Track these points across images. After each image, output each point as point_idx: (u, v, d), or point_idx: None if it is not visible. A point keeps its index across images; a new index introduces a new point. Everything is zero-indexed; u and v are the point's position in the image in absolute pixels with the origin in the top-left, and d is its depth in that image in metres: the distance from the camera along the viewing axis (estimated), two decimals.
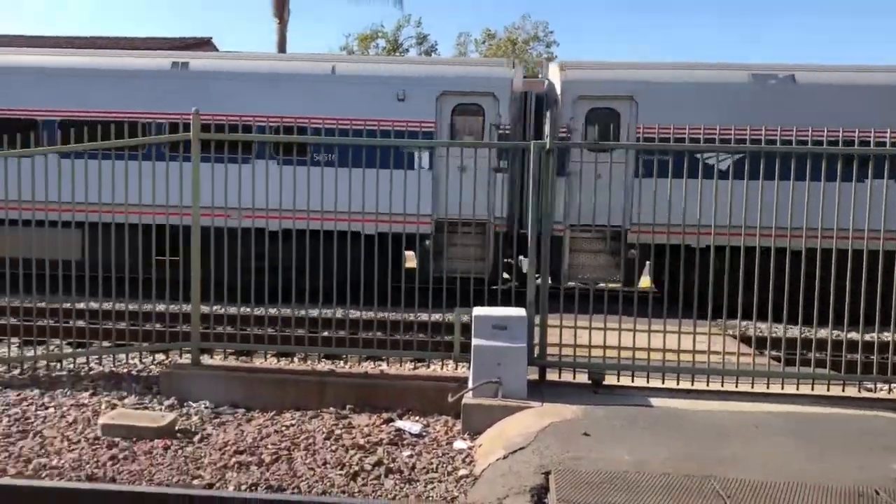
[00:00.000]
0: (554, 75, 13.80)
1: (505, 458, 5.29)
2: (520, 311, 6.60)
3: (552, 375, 7.02)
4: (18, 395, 6.99)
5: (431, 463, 5.63)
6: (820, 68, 13.42)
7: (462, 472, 5.47)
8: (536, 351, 6.93)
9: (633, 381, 6.91)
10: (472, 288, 7.78)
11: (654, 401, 6.42)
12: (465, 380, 6.81)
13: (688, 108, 12.10)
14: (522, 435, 5.54)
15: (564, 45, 49.82)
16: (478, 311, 6.56)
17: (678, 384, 6.87)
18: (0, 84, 13.55)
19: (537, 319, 6.95)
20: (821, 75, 13.10)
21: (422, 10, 71.87)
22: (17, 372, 7.72)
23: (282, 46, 21.34)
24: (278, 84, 13.26)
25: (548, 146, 6.94)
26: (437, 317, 8.11)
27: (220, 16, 69.78)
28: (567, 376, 7.00)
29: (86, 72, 13.58)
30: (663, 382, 6.89)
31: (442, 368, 7.53)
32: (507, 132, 13.08)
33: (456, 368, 7.36)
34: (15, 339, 8.80)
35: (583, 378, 6.88)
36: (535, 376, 6.91)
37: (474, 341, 6.46)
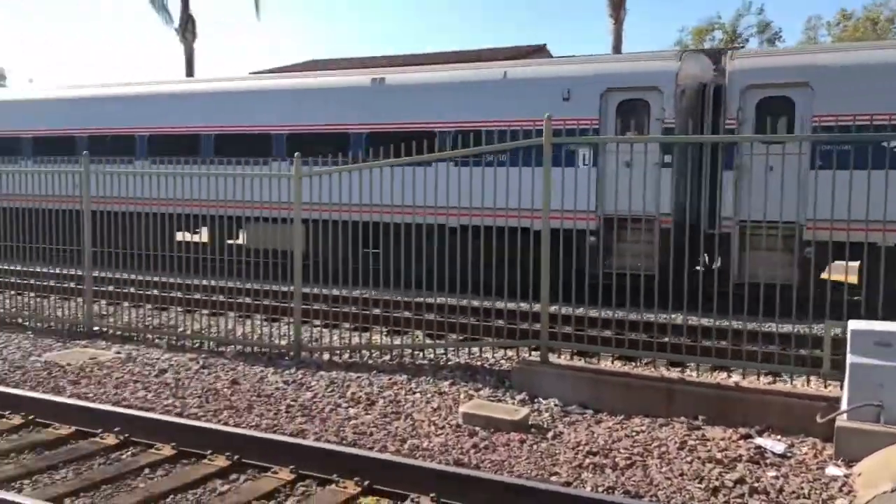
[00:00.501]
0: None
1: (894, 491, 4.67)
2: None
3: None
4: (390, 378, 7.75)
5: (802, 487, 5.16)
6: None
7: (840, 501, 4.93)
8: None
9: None
10: (776, 295, 6.94)
11: None
12: (836, 399, 6.16)
13: (870, 93, 11.17)
14: None
15: None
16: (856, 324, 5.88)
17: None
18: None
19: None
20: None
21: None
22: (387, 358, 8.59)
23: (617, 47, 21.31)
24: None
25: None
26: (789, 328, 7.48)
27: (554, 23, 72.02)
28: None
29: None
30: None
31: (804, 385, 6.90)
32: (672, 126, 12.46)
33: (825, 386, 6.68)
34: (381, 329, 9.81)
35: None
36: None
37: (850, 358, 5.80)
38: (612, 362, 7.73)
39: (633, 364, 7.83)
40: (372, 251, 9.28)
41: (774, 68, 12.59)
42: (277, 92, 16.48)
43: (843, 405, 5.86)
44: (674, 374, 7.34)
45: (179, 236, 11.56)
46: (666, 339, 7.79)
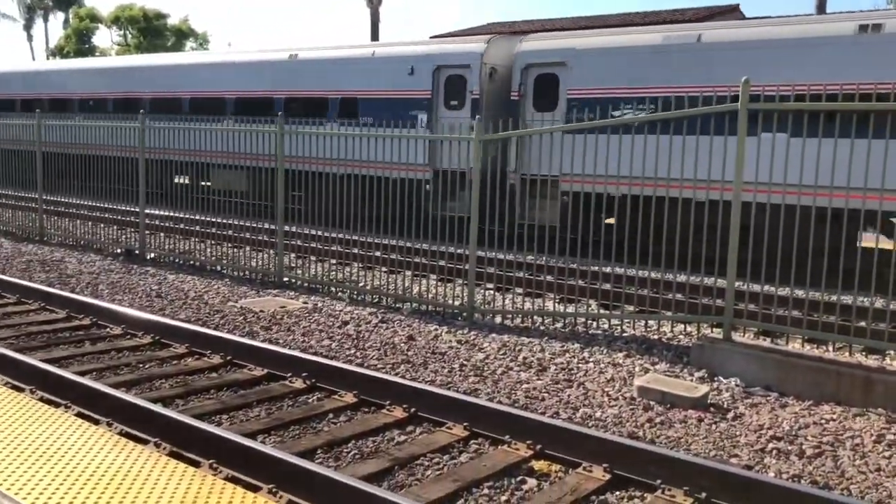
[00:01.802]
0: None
1: None
2: None
3: None
4: (562, 346, 7.71)
5: None
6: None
7: None
8: None
9: None
10: None
11: None
12: None
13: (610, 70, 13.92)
14: None
15: None
16: None
17: None
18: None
19: None
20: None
21: None
22: (559, 325, 8.55)
23: (821, 7, 19.69)
24: None
25: None
26: None
27: None
28: None
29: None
30: None
31: None
32: (478, 97, 15.53)
33: None
34: (552, 296, 9.76)
35: None
36: None
37: None
38: (802, 345, 7.26)
39: (824, 348, 7.31)
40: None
41: (545, 51, 15.13)
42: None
43: None
44: (872, 361, 6.79)
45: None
46: (864, 324, 7.22)
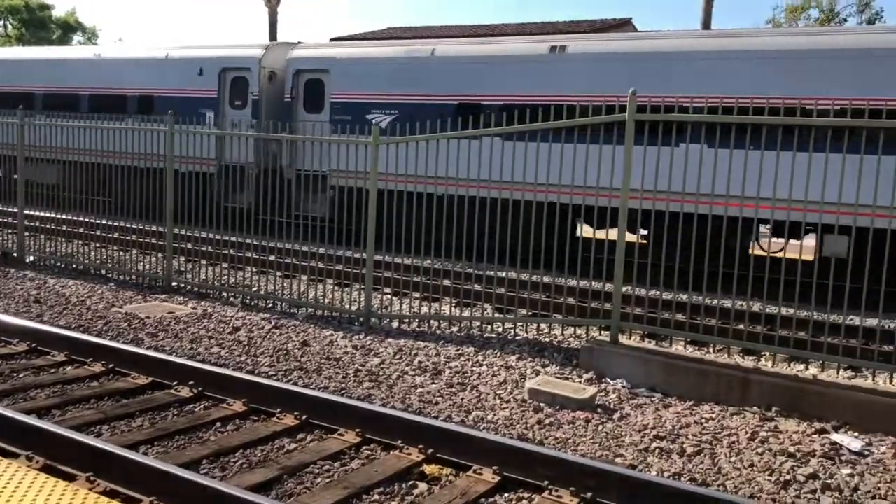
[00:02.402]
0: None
1: None
2: None
3: None
4: (457, 350, 7.77)
5: (879, 487, 4.97)
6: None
7: None
8: None
9: None
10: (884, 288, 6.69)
11: None
12: None
13: (359, 78, 15.91)
14: None
15: None
16: None
17: None
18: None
19: None
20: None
21: None
22: (455, 329, 8.61)
23: (707, 23, 20.61)
24: None
25: None
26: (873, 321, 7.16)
27: None
28: None
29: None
30: None
31: (886, 383, 6.63)
32: (257, 98, 17.18)
33: None
34: (449, 300, 9.82)
35: None
36: None
37: None
38: (685, 347, 7.57)
39: (706, 350, 7.65)
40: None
41: (312, 58, 16.95)
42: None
43: None
44: (749, 362, 7.15)
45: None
46: (741, 327, 7.60)
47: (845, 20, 36.37)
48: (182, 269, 11.32)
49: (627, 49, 13.96)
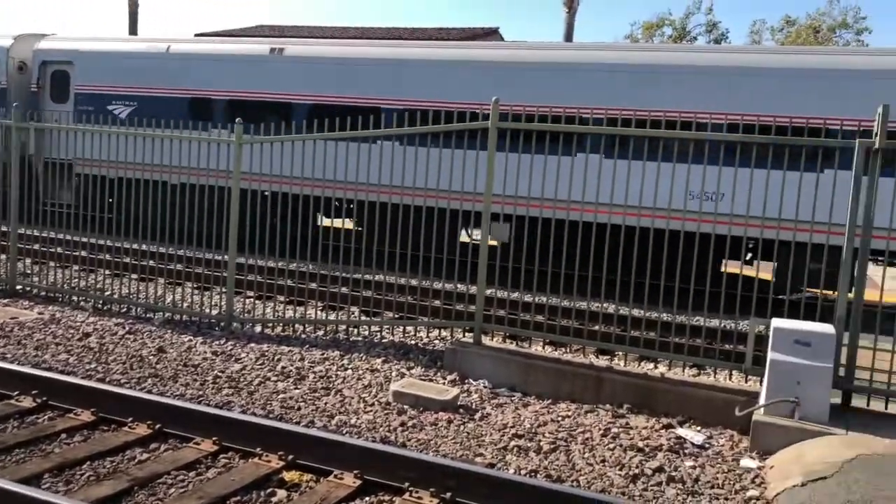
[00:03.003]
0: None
1: (804, 485, 4.84)
2: (826, 328, 6.00)
3: (858, 402, 6.33)
4: (322, 354, 7.69)
5: (717, 478, 5.32)
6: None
7: (751, 492, 5.09)
8: (842, 372, 6.28)
9: None
10: (756, 296, 7.23)
11: None
12: (755, 395, 6.37)
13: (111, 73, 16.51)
14: (825, 463, 5.03)
15: (879, 33, 44.71)
16: (778, 322, 6.06)
17: None
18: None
19: (845, 338, 6.29)
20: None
21: None
22: (321, 333, 8.52)
23: (569, 36, 21.41)
24: None
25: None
26: (714, 323, 7.69)
27: (508, 5, 72.21)
28: (877, 405, 6.28)
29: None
30: None
31: (726, 379, 7.11)
32: (5, 87, 17.27)
33: (746, 381, 6.90)
34: (315, 303, 9.72)
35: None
36: (837, 400, 6.27)
37: (771, 355, 5.98)
38: (544, 347, 7.82)
39: (564, 350, 7.93)
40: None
41: (58, 50, 17.35)
42: None
43: (762, 400, 6.05)
44: (602, 362, 7.47)
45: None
46: (596, 328, 7.93)
47: (695, 38, 38.76)
48: (28, 271, 10.62)
49: (336, 54, 15.24)
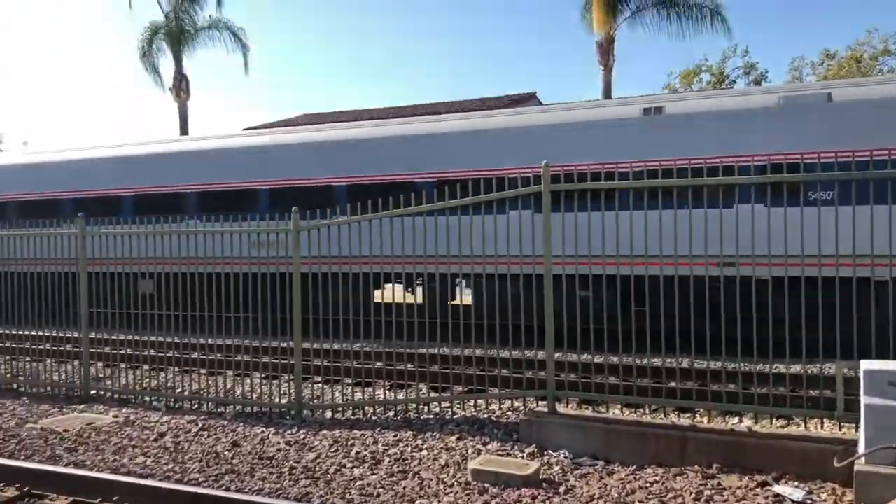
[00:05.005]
0: None
1: None
2: None
3: None
4: (395, 435, 7.58)
5: None
6: None
7: None
8: None
9: None
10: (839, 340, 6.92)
11: None
12: (852, 443, 6.01)
13: None
14: None
15: None
16: (867, 364, 5.76)
17: None
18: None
19: None
20: None
21: (748, 39, 67.94)
22: (391, 413, 8.42)
23: (607, 93, 21.52)
24: None
25: None
26: (798, 367, 7.35)
27: (543, 69, 73.42)
28: None
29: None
30: None
31: (818, 428, 6.75)
32: None
33: (840, 429, 6.55)
34: (383, 383, 9.64)
35: None
36: None
37: (865, 399, 5.66)
38: (622, 410, 7.58)
39: (642, 411, 7.68)
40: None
41: None
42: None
43: (861, 448, 5.71)
44: (685, 420, 7.19)
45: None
46: (674, 385, 7.67)
47: (734, 82, 38.57)
48: (101, 374, 10.81)
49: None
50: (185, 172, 17.49)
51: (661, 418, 7.33)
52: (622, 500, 5.75)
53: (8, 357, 11.12)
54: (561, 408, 7.58)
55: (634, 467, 6.48)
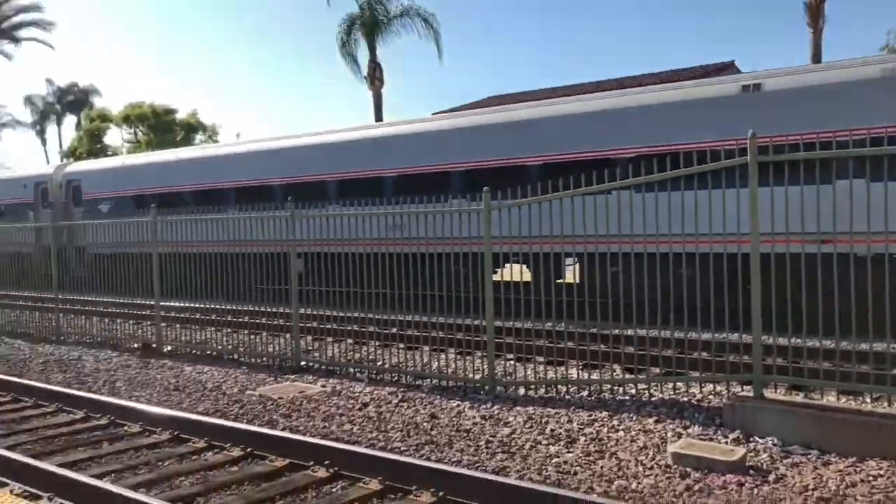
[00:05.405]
0: None
1: None
2: None
3: None
4: (590, 415, 7.49)
5: None
6: None
7: None
8: None
9: None
10: None
11: None
12: None
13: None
14: None
15: None
16: None
17: None
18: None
19: None
20: None
21: None
22: (584, 393, 8.34)
23: (816, 57, 19.88)
24: None
25: None
26: None
27: (744, 36, 69.26)
28: None
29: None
30: None
31: None
32: (53, 201, 25.82)
33: None
34: (575, 363, 9.54)
35: None
36: None
37: None
38: (838, 398, 7.02)
39: (861, 400, 7.07)
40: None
41: (73, 172, 26.20)
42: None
43: None
44: None
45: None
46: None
47: None
48: (310, 347, 11.56)
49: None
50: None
51: (885, 407, 6.71)
52: (841, 492, 5.33)
53: (229, 330, 12.17)
54: (768, 393, 7.14)
55: (854, 459, 5.98)
